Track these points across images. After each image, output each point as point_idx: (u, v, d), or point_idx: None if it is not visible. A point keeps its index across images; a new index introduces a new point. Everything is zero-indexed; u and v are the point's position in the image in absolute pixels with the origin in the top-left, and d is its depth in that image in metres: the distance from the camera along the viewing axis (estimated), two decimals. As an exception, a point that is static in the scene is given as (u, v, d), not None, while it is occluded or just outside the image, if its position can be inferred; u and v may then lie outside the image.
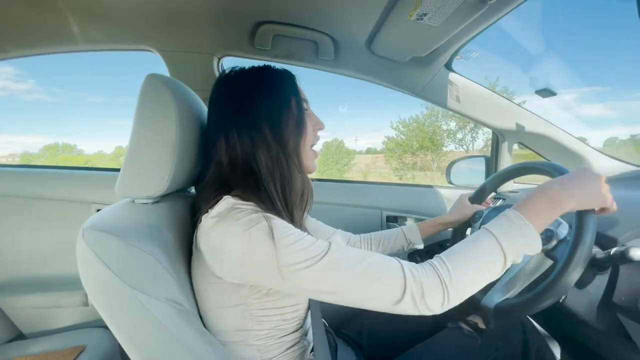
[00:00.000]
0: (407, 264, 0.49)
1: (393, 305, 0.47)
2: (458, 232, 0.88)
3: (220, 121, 0.58)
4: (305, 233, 0.50)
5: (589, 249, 0.53)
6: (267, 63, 0.63)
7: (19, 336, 1.04)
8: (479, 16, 0.68)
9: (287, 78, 0.61)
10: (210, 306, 0.55)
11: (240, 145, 0.55)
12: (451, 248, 0.51)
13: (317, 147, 0.65)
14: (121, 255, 0.46)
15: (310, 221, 0.84)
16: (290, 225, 0.49)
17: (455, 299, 0.47)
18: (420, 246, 0.85)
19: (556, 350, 0.74)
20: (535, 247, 0.50)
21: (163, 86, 0.54)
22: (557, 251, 0.62)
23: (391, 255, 0.53)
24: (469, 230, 0.88)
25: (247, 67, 0.61)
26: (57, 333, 1.01)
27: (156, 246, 0.50)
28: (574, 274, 0.52)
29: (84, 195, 1.08)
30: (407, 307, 0.46)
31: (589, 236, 0.53)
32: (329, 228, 0.87)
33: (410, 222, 1.22)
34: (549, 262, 0.64)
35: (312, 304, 0.62)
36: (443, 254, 0.50)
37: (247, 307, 0.53)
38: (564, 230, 0.64)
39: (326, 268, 0.46)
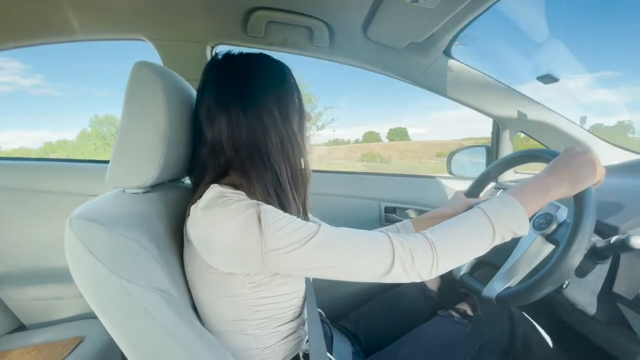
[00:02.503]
0: (395, 235, 0.50)
1: (384, 275, 0.48)
2: None
3: (222, 101, 0.54)
4: (295, 217, 0.50)
5: (590, 229, 0.52)
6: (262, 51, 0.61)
7: (20, 327, 1.06)
8: (476, -3, 0.65)
9: (288, 69, 0.60)
10: (205, 297, 0.55)
11: (246, 124, 0.53)
12: (443, 222, 0.53)
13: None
14: (108, 244, 0.45)
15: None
16: (280, 210, 0.49)
17: (443, 266, 0.49)
18: None
19: (543, 334, 0.74)
20: (523, 226, 0.51)
21: (152, 74, 0.53)
22: (558, 234, 0.61)
23: None
24: None
25: (247, 52, 0.59)
26: (57, 324, 1.02)
27: (144, 235, 0.49)
28: (576, 256, 0.51)
29: (81, 187, 1.08)
30: (398, 276, 0.48)
31: (589, 216, 0.52)
32: (324, 224, 0.86)
33: (409, 214, 1.21)
34: (549, 248, 0.62)
35: (308, 294, 0.61)
36: (435, 226, 0.52)
37: (242, 298, 0.53)
38: (563, 214, 0.62)
39: (315, 247, 0.47)
